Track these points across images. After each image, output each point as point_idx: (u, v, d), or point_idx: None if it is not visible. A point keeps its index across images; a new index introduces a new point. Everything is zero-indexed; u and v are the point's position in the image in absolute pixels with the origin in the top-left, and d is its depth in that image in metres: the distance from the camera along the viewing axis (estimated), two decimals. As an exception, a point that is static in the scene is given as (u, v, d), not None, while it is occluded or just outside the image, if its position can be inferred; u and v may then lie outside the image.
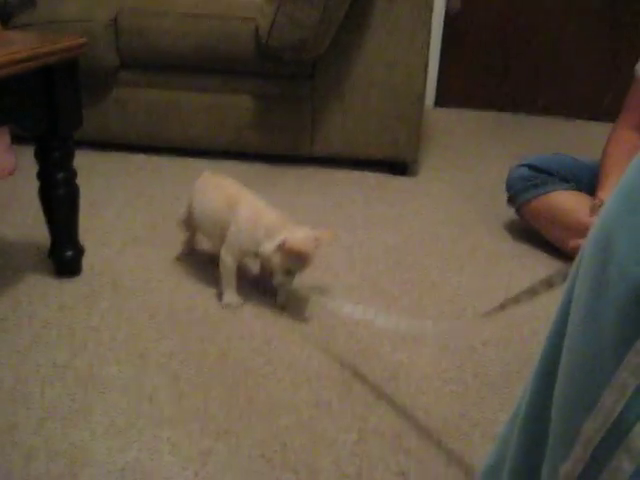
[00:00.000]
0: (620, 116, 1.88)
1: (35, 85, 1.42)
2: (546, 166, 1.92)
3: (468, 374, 1.33)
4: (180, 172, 2.39)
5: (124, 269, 1.67)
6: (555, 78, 3.48)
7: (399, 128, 2.39)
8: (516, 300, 0.98)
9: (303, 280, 1.65)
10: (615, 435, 0.49)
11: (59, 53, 1.41)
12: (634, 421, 0.48)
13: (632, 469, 0.48)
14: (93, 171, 2.31)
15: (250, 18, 2.29)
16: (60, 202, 1.56)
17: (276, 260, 1.44)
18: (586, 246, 0.55)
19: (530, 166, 1.95)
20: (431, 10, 2.31)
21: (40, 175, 1.54)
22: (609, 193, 0.54)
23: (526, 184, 1.92)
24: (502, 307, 1.02)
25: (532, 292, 0.95)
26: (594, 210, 1.71)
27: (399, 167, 2.48)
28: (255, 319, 1.49)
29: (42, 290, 1.56)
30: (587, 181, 1.88)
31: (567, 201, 1.85)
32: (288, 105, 2.42)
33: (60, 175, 1.53)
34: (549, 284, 0.92)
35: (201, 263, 1.70)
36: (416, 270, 1.75)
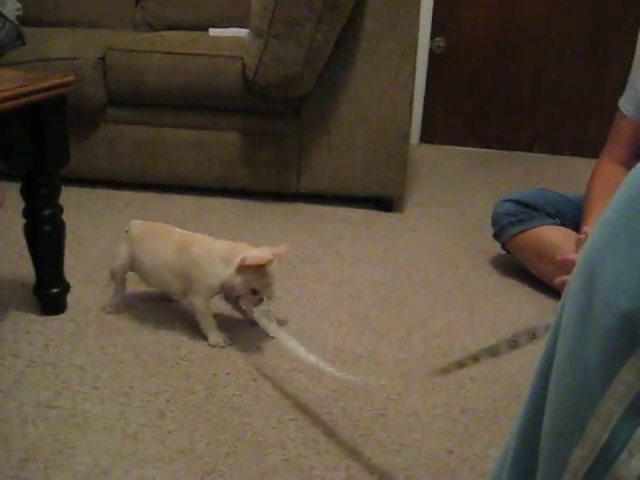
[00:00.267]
0: (604, 150, 1.91)
1: (23, 122, 1.42)
2: (531, 201, 1.94)
3: (456, 410, 1.32)
4: (167, 209, 2.39)
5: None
6: (539, 114, 3.54)
7: (385, 164, 2.41)
8: (475, 358, 1.01)
9: (290, 315, 1.65)
10: (602, 464, 0.49)
11: (47, 91, 1.42)
12: (620, 449, 0.48)
13: None
14: (80, 208, 2.31)
15: (236, 56, 2.31)
16: (46, 239, 1.55)
17: (239, 282, 1.45)
18: (572, 279, 0.55)
19: (515, 201, 1.96)
20: (416, 47, 2.35)
21: (26, 212, 1.53)
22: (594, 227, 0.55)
23: (512, 219, 1.93)
24: (460, 365, 1.03)
25: (493, 351, 0.99)
26: (579, 245, 1.72)
27: (385, 203, 2.49)
28: (241, 356, 1.48)
29: (27, 327, 1.55)
30: (572, 216, 1.90)
31: (553, 236, 1.86)
32: (275, 142, 2.43)
33: (46, 212, 1.52)
34: (511, 344, 0.95)
35: (185, 302, 1.69)
36: (404, 306, 1.75)
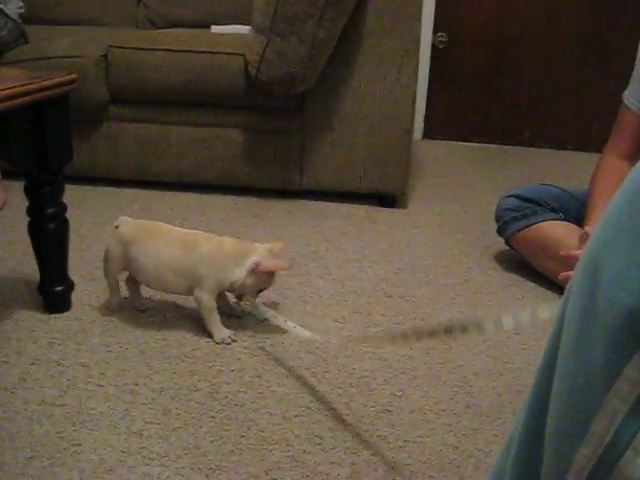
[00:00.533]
0: (607, 144, 1.90)
1: (26, 121, 1.42)
2: (535, 196, 1.94)
3: (460, 406, 1.32)
4: (170, 206, 2.39)
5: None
6: (542, 109, 3.53)
7: (388, 161, 2.41)
8: (419, 336, 1.05)
9: (293, 312, 1.65)
10: (607, 462, 0.49)
11: (50, 89, 1.42)
12: (625, 447, 0.48)
13: None
14: (83, 206, 2.31)
15: (239, 53, 2.31)
16: (50, 237, 1.56)
17: (249, 283, 1.50)
18: (575, 275, 0.55)
19: (519, 197, 1.96)
20: (418, 44, 2.34)
21: (30, 210, 1.53)
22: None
23: (515, 215, 1.93)
24: (404, 337, 1.06)
25: (431, 333, 1.02)
26: (583, 241, 1.72)
27: (388, 199, 2.49)
28: (245, 353, 1.48)
29: (31, 326, 1.55)
30: (575, 211, 1.90)
31: (556, 231, 1.86)
32: (277, 139, 2.43)
33: (50, 210, 1.53)
34: (447, 331, 0.97)
35: (190, 299, 1.70)
36: (407, 302, 1.75)
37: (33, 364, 1.41)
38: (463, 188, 2.78)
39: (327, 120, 2.40)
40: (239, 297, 1.57)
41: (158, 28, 2.94)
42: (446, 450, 1.20)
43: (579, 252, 1.67)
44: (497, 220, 2.00)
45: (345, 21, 2.22)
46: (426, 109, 3.61)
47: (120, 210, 2.33)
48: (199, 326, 1.56)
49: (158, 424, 1.24)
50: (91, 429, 1.22)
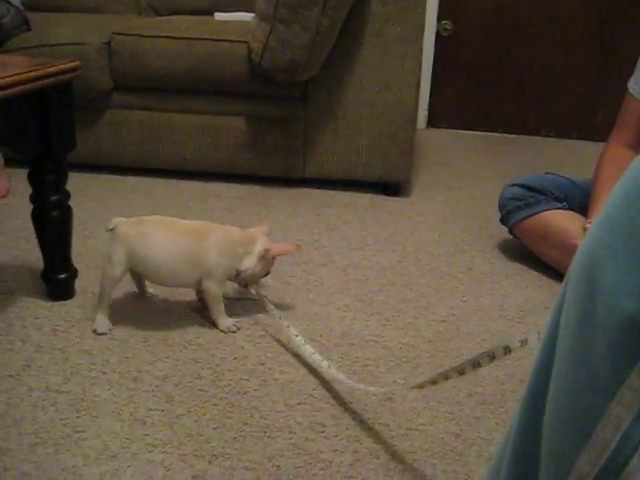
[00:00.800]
0: (612, 133, 1.89)
1: (29, 108, 1.42)
2: (538, 185, 1.93)
3: (463, 394, 1.33)
4: (173, 194, 2.39)
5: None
6: (546, 98, 3.51)
7: (392, 149, 2.40)
8: (445, 376, 1.05)
9: (297, 300, 1.65)
10: (612, 469, 0.48)
11: (53, 76, 1.41)
12: (631, 454, 0.47)
13: None
14: (86, 193, 2.32)
15: (242, 41, 2.30)
16: (53, 224, 1.56)
17: (259, 268, 1.53)
18: (572, 270, 0.54)
19: (522, 185, 1.96)
20: (422, 32, 2.33)
21: (33, 197, 1.54)
22: None
23: (519, 203, 1.93)
24: (433, 382, 1.07)
25: (459, 370, 1.03)
26: (586, 232, 1.71)
27: (392, 188, 2.49)
28: (248, 341, 1.48)
29: (35, 313, 1.56)
30: (579, 200, 1.89)
31: (560, 220, 1.85)
32: (281, 126, 2.43)
33: (53, 197, 1.53)
34: (490, 357, 0.98)
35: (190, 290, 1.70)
36: (410, 290, 1.75)
37: (37, 351, 1.41)
38: (467, 177, 2.77)
39: (330, 108, 2.39)
40: (245, 285, 1.58)
41: (161, 15, 2.93)
42: (448, 438, 1.20)
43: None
44: (500, 209, 1.99)
45: (349, 8, 2.20)
46: (430, 98, 3.60)
47: (123, 198, 2.33)
48: (201, 314, 1.56)
49: (161, 411, 1.24)
50: (95, 416, 1.22)
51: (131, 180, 2.51)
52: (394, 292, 1.74)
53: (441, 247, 2.03)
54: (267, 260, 1.53)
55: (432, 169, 2.86)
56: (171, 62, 2.35)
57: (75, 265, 1.63)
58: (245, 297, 1.63)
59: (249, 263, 1.50)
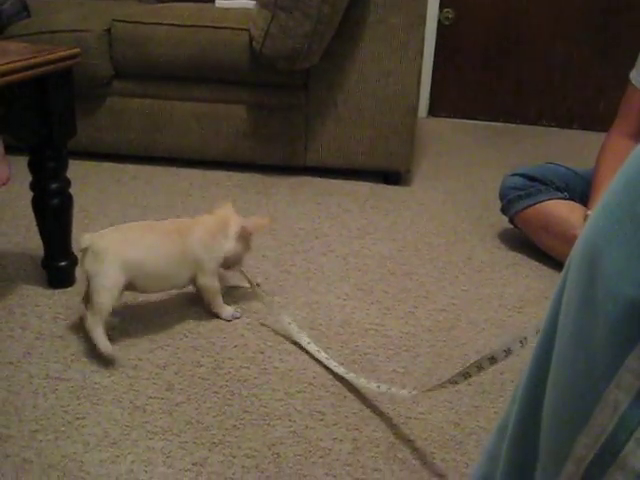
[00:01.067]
0: (614, 124, 1.89)
1: (29, 95, 1.42)
2: (539, 175, 1.93)
3: (462, 383, 1.33)
4: (174, 182, 2.39)
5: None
6: (548, 87, 3.50)
7: (393, 138, 2.40)
8: (453, 381, 1.06)
9: (297, 288, 1.65)
10: (608, 452, 0.48)
11: (53, 63, 1.41)
12: (627, 438, 0.47)
13: None
14: (86, 181, 2.31)
15: (243, 28, 2.29)
16: (54, 212, 1.56)
17: (240, 248, 1.51)
18: (572, 258, 0.54)
19: (523, 175, 1.95)
20: (424, 20, 2.32)
21: (34, 185, 1.53)
22: None
23: (519, 193, 1.93)
24: (442, 386, 1.09)
25: (465, 375, 1.04)
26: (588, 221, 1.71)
27: (393, 177, 2.48)
28: (249, 329, 1.49)
29: (35, 301, 1.56)
30: (580, 190, 1.89)
31: (561, 210, 1.85)
32: (282, 115, 2.42)
33: (54, 185, 1.53)
34: (491, 360, 1.00)
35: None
36: (410, 279, 1.75)
37: (37, 338, 1.41)
38: (468, 166, 2.77)
39: (332, 97, 2.38)
40: (229, 268, 1.56)
41: (162, 2, 2.90)
42: (447, 427, 1.21)
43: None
44: (501, 198, 1.99)
45: (351, -4, 2.19)
46: (431, 86, 3.58)
47: (123, 186, 2.33)
48: (201, 303, 1.56)
49: (162, 399, 1.24)
50: (95, 403, 1.23)
51: (131, 168, 2.50)
52: (394, 281, 1.74)
53: (441, 236, 2.03)
54: (245, 238, 1.52)
55: (433, 158, 2.86)
56: (172, 49, 2.34)
57: (75, 253, 1.63)
58: (235, 286, 1.63)
59: (230, 245, 1.49)
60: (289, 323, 1.45)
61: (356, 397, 1.27)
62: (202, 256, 1.46)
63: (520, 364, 1.38)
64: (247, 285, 1.60)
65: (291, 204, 2.24)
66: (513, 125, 3.54)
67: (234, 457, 1.11)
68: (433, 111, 3.64)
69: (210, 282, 1.49)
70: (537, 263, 1.88)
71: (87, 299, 1.38)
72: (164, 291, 1.55)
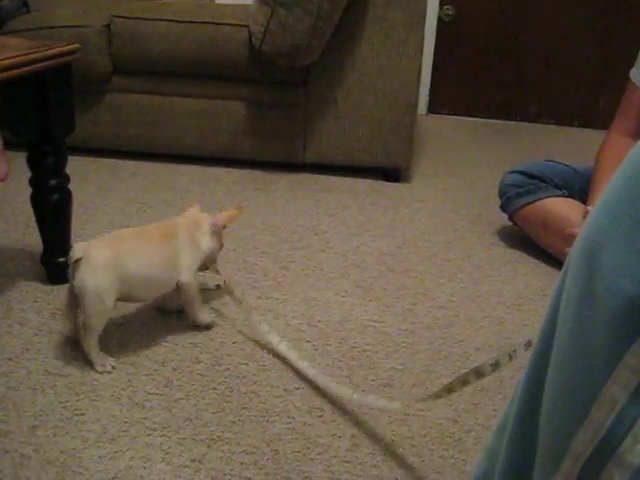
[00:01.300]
0: (614, 122, 1.88)
1: (28, 90, 1.41)
2: (539, 173, 1.93)
3: (459, 390, 1.33)
4: (173, 178, 2.38)
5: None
6: (547, 85, 3.50)
7: (392, 135, 2.40)
8: (449, 389, 1.04)
9: (295, 285, 1.65)
10: (605, 449, 0.48)
11: (52, 59, 1.41)
12: (624, 435, 0.47)
13: None
14: (85, 177, 2.31)
15: (243, 25, 2.29)
16: (52, 208, 1.56)
17: (214, 246, 1.49)
18: (572, 255, 0.54)
19: (523, 173, 1.95)
20: (424, 17, 2.32)
21: (32, 181, 1.53)
22: None
23: (519, 191, 1.93)
24: (436, 396, 1.07)
25: (463, 381, 1.01)
26: (587, 218, 1.71)
27: (392, 174, 2.48)
28: (247, 325, 1.48)
29: (34, 297, 1.56)
30: (579, 188, 1.89)
31: (560, 208, 1.85)
32: (281, 112, 2.42)
33: (53, 181, 1.52)
34: (478, 374, 0.98)
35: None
36: (409, 277, 1.75)
37: (36, 334, 1.41)
38: (467, 163, 2.77)
39: (331, 93, 2.38)
40: (206, 268, 1.52)
41: (161, -2, 2.91)
42: (446, 424, 1.21)
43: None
44: (501, 196, 1.99)
45: (350, -7, 2.19)
46: (431, 84, 3.58)
47: (122, 182, 2.32)
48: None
49: (160, 395, 1.24)
50: (94, 399, 1.23)
51: (130, 164, 2.50)
52: (393, 278, 1.74)
53: (441, 233, 2.03)
54: (218, 234, 1.50)
55: (432, 155, 2.85)
56: (171, 46, 2.34)
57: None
58: (208, 288, 1.60)
59: (206, 243, 1.46)
60: (259, 322, 1.43)
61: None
62: (189, 259, 1.41)
63: (518, 362, 1.38)
64: (213, 288, 1.59)
65: (290, 201, 2.24)
66: (513, 122, 3.54)
67: (233, 453, 1.11)
68: (433, 108, 3.64)
69: (192, 282, 1.42)
70: (536, 260, 1.88)
71: (72, 312, 1.34)
72: (156, 296, 1.47)
